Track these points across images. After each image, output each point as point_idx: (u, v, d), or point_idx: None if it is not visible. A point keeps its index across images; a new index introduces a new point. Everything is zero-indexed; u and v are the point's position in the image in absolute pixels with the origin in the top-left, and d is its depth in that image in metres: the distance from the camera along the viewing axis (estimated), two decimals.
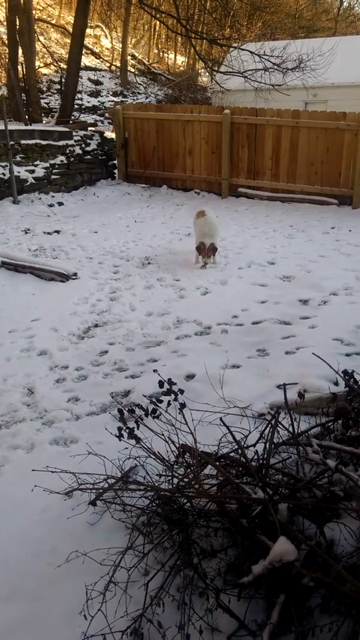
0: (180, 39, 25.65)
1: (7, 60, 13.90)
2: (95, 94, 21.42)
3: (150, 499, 2.40)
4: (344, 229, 8.63)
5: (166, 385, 2.46)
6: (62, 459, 2.97)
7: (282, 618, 1.82)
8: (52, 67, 19.45)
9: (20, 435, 3.36)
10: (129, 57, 24.58)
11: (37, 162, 10.36)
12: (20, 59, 13.09)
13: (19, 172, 9.81)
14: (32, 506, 2.67)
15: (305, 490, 2.18)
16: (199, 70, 26.73)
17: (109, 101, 20.55)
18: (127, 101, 20.38)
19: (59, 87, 16.25)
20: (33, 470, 2.73)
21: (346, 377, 2.75)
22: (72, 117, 13.32)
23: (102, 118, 19.22)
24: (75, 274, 6.16)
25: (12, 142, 9.56)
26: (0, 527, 2.58)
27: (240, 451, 2.37)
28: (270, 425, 2.45)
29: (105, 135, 12.45)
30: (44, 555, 2.37)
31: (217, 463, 2.38)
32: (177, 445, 2.46)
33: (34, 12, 14.86)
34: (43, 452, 3.17)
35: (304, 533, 2.05)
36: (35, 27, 15.49)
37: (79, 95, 17.20)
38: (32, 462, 2.97)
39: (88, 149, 11.63)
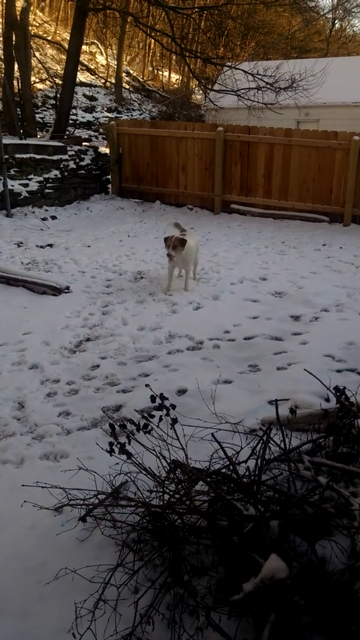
0: (174, 57, 26.01)
1: (3, 75, 14.00)
2: (89, 109, 21.63)
3: (140, 515, 2.38)
4: (335, 245, 8.71)
5: (158, 400, 2.46)
6: (52, 474, 2.95)
7: (272, 636, 1.80)
8: (48, 82, 19.61)
9: (10, 450, 3.33)
10: (123, 74, 24.89)
11: (31, 176, 10.40)
12: (16, 74, 13.19)
13: (12, 186, 9.84)
14: (21, 522, 2.64)
15: (297, 507, 2.17)
16: (193, 88, 27.06)
17: (104, 117, 20.75)
18: (121, 117, 20.57)
19: (54, 102, 16.37)
20: (23, 485, 2.70)
21: (337, 394, 2.76)
22: (67, 132, 13.41)
23: (96, 133, 19.40)
24: (67, 288, 6.16)
25: (6, 156, 9.60)
26: None
27: (231, 467, 2.36)
28: (261, 442, 2.45)
29: (99, 150, 12.53)
30: (32, 571, 2.34)
31: (209, 479, 2.37)
32: (169, 461, 2.45)
33: (30, 28, 15.01)
34: (33, 467, 3.14)
35: (296, 550, 2.05)
36: (32, 43, 15.64)
37: (73, 111, 17.32)
38: (21, 477, 2.94)
39: (82, 163, 11.69)
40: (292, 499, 2.17)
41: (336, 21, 34.40)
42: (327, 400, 3.53)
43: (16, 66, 13.13)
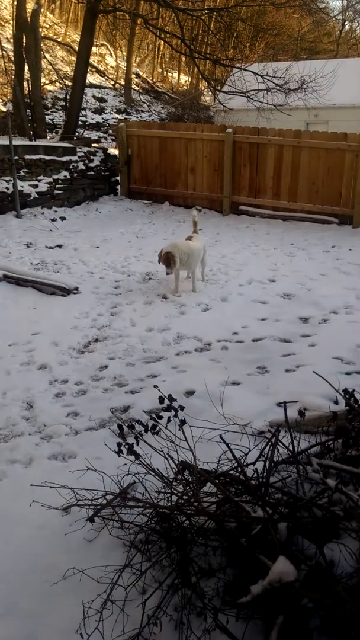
0: (184, 58, 26.05)
1: (13, 76, 14.08)
2: (99, 111, 21.71)
3: (148, 516, 2.38)
4: (345, 247, 8.67)
5: (166, 401, 2.46)
6: (60, 474, 2.96)
7: (281, 639, 1.80)
8: (58, 84, 19.71)
9: (18, 450, 3.34)
10: (133, 76, 24.96)
11: (41, 177, 10.45)
12: (26, 75, 13.26)
13: (22, 187, 9.88)
14: (29, 522, 2.64)
15: (305, 510, 2.16)
16: (202, 90, 27.08)
17: (113, 118, 20.82)
18: (130, 119, 20.62)
19: (63, 103, 16.45)
20: (31, 485, 2.70)
21: (346, 396, 2.74)
22: (76, 134, 13.46)
23: (105, 135, 19.46)
24: (76, 289, 6.18)
25: (16, 157, 9.65)
26: None
27: (239, 469, 2.36)
28: (270, 444, 2.45)
29: (108, 151, 12.57)
30: (40, 571, 2.35)
31: (217, 481, 2.37)
32: (177, 462, 2.45)
33: (40, 30, 15.08)
34: (41, 467, 3.15)
35: (304, 553, 2.04)
36: (42, 45, 15.71)
37: (83, 112, 17.41)
38: (30, 477, 2.95)
39: (91, 165, 11.73)
40: (300, 502, 2.16)
41: (346, 22, 34.33)
42: (336, 402, 3.50)
43: (26, 68, 13.21)
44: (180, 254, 6.02)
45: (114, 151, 13.17)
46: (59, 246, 8.35)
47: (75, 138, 12.67)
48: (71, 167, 11.11)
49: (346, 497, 2.12)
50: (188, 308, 5.82)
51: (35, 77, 12.94)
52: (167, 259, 5.98)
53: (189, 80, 30.75)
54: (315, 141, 10.28)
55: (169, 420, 2.43)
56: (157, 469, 2.45)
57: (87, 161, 11.61)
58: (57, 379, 4.29)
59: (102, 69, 25.23)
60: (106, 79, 24.46)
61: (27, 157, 10.12)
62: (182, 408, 2.48)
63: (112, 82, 24.42)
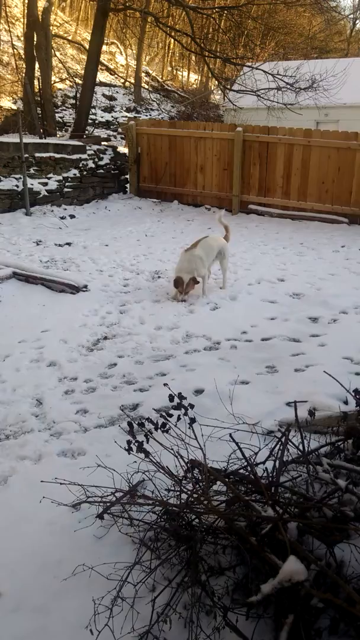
0: (194, 57, 26.00)
1: (24, 74, 14.12)
2: (109, 109, 21.70)
3: (158, 514, 2.38)
4: (354, 247, 8.63)
5: (176, 400, 2.46)
6: (69, 470, 2.97)
7: (290, 639, 1.80)
8: (68, 82, 19.73)
9: (28, 446, 3.36)
10: (143, 74, 24.93)
11: (51, 175, 10.48)
12: (37, 73, 13.31)
13: (32, 185, 9.92)
14: (39, 518, 2.66)
15: (315, 510, 2.16)
16: (212, 88, 27.03)
17: (123, 117, 20.81)
18: (140, 117, 20.60)
19: (73, 101, 16.49)
20: (41, 481, 2.72)
21: (357, 396, 2.74)
22: (86, 132, 13.49)
23: (115, 133, 19.46)
24: (85, 286, 6.19)
25: (26, 155, 9.69)
26: (7, 539, 2.57)
27: (249, 468, 2.35)
28: (280, 443, 2.44)
29: (118, 150, 12.58)
30: (50, 567, 2.36)
31: (227, 479, 2.37)
32: (186, 460, 2.45)
33: (51, 28, 15.12)
34: (51, 464, 3.17)
35: (314, 553, 2.03)
36: (52, 43, 15.75)
37: (93, 110, 17.43)
38: (39, 474, 2.96)
39: (101, 163, 11.75)
40: (310, 502, 2.16)
41: (357, 21, 34.11)
42: (346, 402, 3.50)
43: (37, 66, 13.26)
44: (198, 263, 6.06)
45: (123, 149, 13.17)
46: (68, 244, 8.38)
47: (85, 136, 12.70)
48: (81, 165, 11.14)
49: (356, 498, 2.11)
50: (197, 307, 5.82)
51: (45, 75, 12.99)
52: (193, 281, 5.99)
53: (199, 78, 30.69)
54: (326, 140, 10.23)
55: (178, 418, 2.43)
56: (167, 467, 2.46)
57: (96, 159, 11.64)
58: (66, 376, 4.30)
59: (112, 67, 25.22)
60: (116, 77, 24.46)
61: (37, 155, 10.16)
62: (191, 406, 2.48)
63: (122, 81, 24.42)
